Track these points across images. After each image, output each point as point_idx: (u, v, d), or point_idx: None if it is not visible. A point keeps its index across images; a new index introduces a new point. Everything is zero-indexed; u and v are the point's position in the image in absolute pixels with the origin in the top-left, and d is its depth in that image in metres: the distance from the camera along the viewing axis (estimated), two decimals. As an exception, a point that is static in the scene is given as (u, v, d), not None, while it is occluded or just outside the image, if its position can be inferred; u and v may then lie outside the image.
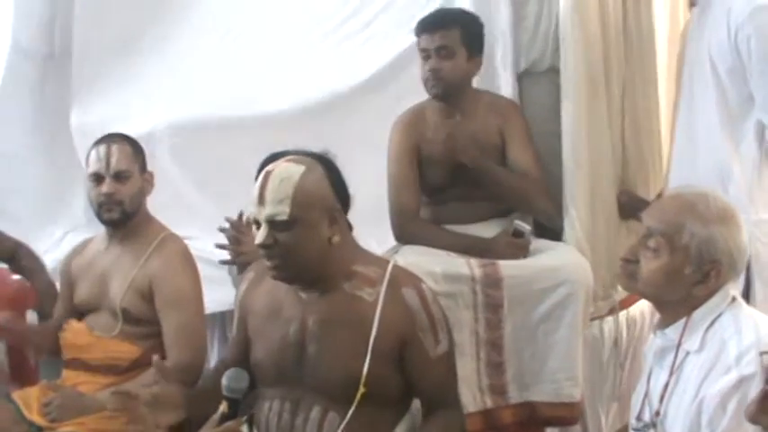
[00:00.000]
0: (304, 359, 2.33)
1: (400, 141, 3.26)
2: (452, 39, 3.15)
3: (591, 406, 3.21)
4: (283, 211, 2.22)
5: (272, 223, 2.24)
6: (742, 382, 2.01)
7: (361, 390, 2.24)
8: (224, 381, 2.28)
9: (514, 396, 3.06)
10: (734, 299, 2.16)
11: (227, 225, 2.91)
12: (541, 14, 3.33)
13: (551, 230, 3.27)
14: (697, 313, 2.13)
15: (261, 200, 2.25)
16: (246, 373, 2.31)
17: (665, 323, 2.20)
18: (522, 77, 3.40)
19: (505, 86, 3.37)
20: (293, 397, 2.33)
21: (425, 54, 3.16)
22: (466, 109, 3.22)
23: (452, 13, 3.29)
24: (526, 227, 3.14)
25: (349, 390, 2.25)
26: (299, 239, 2.24)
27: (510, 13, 3.35)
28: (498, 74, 3.38)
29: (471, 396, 3.00)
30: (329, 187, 2.30)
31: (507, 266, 3.04)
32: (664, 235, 2.14)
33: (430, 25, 3.18)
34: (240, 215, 2.90)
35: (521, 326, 3.04)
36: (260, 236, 2.25)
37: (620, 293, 3.24)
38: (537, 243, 3.17)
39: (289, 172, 2.25)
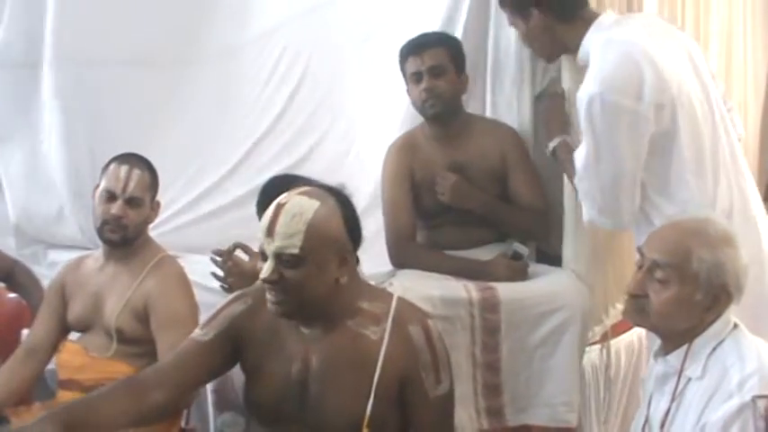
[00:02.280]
0: (306, 399, 2.24)
1: (394, 166, 3.26)
2: (440, 57, 3.16)
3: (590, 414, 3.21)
4: (294, 245, 2.12)
5: (280, 258, 2.14)
6: (743, 408, 2.01)
7: (364, 431, 2.19)
8: (219, 425, 2.23)
9: (511, 418, 3.04)
10: (735, 325, 2.17)
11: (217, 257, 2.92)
12: None
13: (550, 255, 3.27)
14: (699, 340, 2.14)
15: (269, 232, 2.15)
16: (242, 418, 2.25)
17: (666, 350, 2.20)
18: (537, 99, 3.33)
19: (521, 110, 3.31)
20: None
21: (416, 76, 3.17)
22: (461, 132, 3.24)
23: (434, 34, 3.28)
24: (525, 249, 3.14)
25: (351, 431, 2.20)
26: (306, 278, 2.15)
27: None
28: (513, 97, 3.32)
29: (468, 417, 2.98)
30: (342, 226, 2.20)
31: (505, 290, 3.03)
32: (671, 265, 2.14)
33: (416, 47, 3.19)
34: (234, 246, 2.91)
35: (518, 349, 3.02)
36: (266, 270, 2.14)
37: (612, 318, 3.24)
38: (535, 268, 3.17)
39: (302, 207, 2.15)
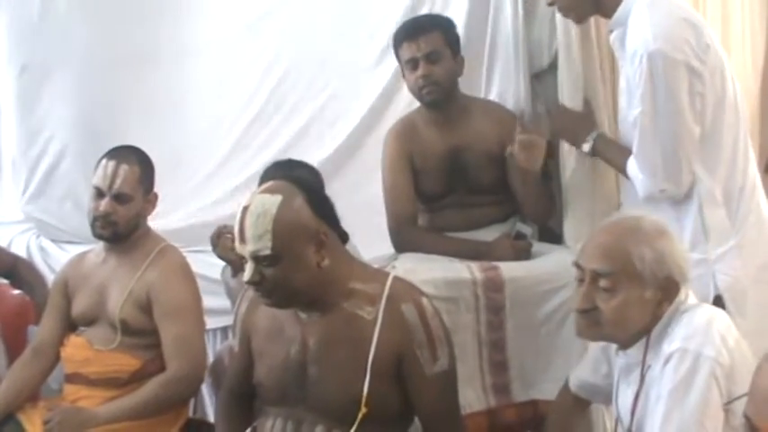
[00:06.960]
0: (305, 380, 2.30)
1: (393, 151, 3.25)
2: (436, 42, 3.11)
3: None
4: (265, 247, 2.16)
5: (257, 260, 2.19)
6: (686, 352, 2.03)
7: (363, 410, 2.21)
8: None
9: (519, 394, 3.04)
10: (686, 300, 2.15)
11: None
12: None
13: (552, 233, 3.26)
14: (655, 330, 2.13)
15: (241, 237, 2.20)
16: None
17: (626, 345, 2.19)
18: (541, 75, 3.30)
19: (516, 88, 3.29)
20: (296, 417, 2.31)
21: (412, 63, 3.13)
22: (458, 115, 3.20)
23: (427, 17, 3.27)
24: (528, 229, 3.14)
25: (350, 410, 2.22)
26: (287, 272, 2.19)
27: (520, 12, 3.25)
28: (510, 75, 3.30)
29: (475, 395, 2.99)
30: (309, 211, 2.22)
31: (509, 270, 3.02)
32: (614, 271, 2.11)
33: (411, 33, 3.14)
34: None
35: (523, 327, 3.02)
36: (247, 273, 2.20)
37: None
38: (538, 246, 3.16)
39: (264, 206, 2.18)
